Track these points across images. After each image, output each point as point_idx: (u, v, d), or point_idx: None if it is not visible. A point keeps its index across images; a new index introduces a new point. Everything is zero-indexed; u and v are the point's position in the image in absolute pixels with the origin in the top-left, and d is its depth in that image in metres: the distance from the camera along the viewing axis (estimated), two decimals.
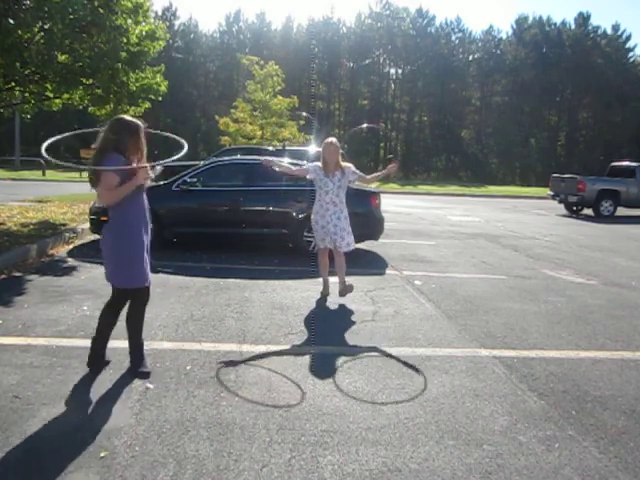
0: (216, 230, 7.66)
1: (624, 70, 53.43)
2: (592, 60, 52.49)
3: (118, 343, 3.79)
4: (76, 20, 7.52)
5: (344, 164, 5.19)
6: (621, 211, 16.85)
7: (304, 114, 23.20)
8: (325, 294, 5.44)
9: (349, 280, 5.37)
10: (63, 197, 13.83)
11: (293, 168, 5.43)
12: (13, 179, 22.98)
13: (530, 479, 2.43)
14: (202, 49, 57.47)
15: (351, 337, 4.27)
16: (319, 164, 5.21)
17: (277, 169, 5.34)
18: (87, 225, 8.30)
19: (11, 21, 7.44)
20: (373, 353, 3.91)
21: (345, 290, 5.28)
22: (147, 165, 3.30)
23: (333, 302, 5.25)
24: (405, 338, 4.28)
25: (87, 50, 8.06)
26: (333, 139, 5.23)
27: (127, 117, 3.39)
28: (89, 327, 4.11)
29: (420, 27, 56.51)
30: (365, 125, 29.82)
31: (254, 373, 3.44)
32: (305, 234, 7.53)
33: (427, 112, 57.87)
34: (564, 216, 16.55)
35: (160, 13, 51.34)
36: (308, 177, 5.26)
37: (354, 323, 4.64)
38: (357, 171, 5.27)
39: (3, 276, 5.69)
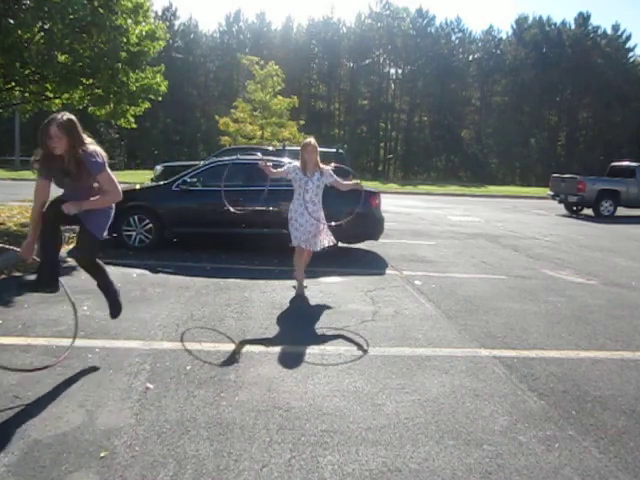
0: (216, 230, 7.66)
1: (624, 70, 53.43)
2: (592, 60, 52.48)
3: (118, 343, 3.80)
4: (76, 20, 7.51)
5: (323, 166, 5.35)
6: (621, 211, 16.85)
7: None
8: (300, 293, 5.47)
9: (350, 280, 5.36)
10: None
11: (274, 170, 5.50)
12: (13, 179, 22.94)
13: (530, 479, 2.43)
14: (202, 49, 57.45)
15: (351, 337, 4.27)
16: (297, 164, 5.40)
17: (267, 172, 5.39)
18: None
19: (11, 21, 7.43)
20: (373, 353, 3.91)
21: (301, 291, 5.39)
22: None
23: (333, 302, 5.25)
24: (405, 338, 4.29)
25: (87, 50, 8.05)
26: (311, 139, 5.41)
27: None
28: (89, 327, 4.11)
29: (420, 27, 56.49)
30: None
31: (254, 373, 3.44)
32: None
33: (427, 112, 57.84)
34: (564, 216, 16.55)
35: (160, 13, 51.42)
36: (288, 177, 5.40)
37: (354, 323, 4.64)
38: (334, 175, 5.41)
39: (3, 276, 5.69)
